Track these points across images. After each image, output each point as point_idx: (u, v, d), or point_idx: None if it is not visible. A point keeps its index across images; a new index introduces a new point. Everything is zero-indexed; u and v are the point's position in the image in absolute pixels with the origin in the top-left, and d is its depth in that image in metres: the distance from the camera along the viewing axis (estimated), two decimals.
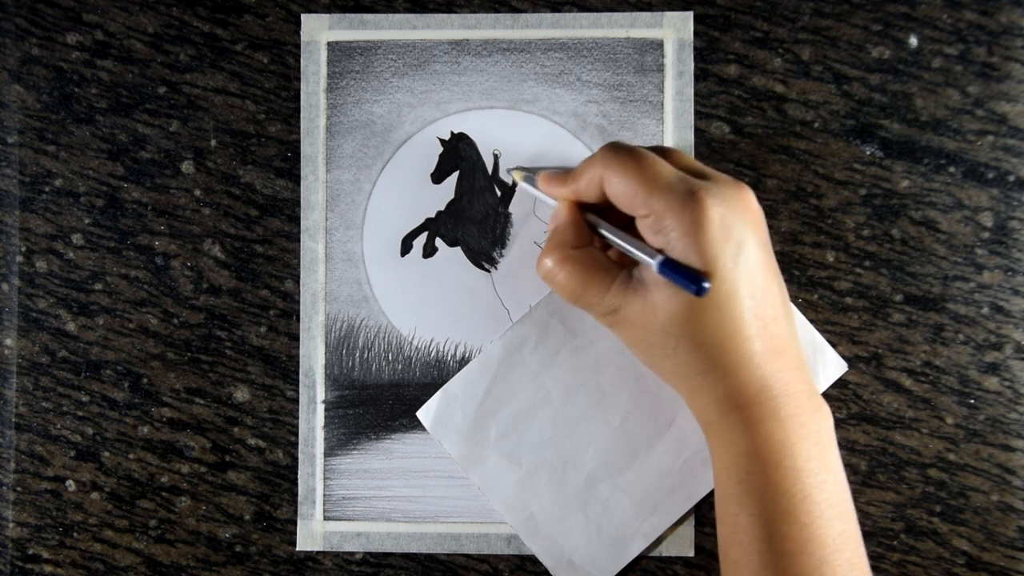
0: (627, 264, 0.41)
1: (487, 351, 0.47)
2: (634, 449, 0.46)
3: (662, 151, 0.41)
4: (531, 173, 0.45)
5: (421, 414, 0.47)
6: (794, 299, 0.47)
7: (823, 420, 0.39)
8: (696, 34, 0.47)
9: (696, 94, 0.47)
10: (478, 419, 0.47)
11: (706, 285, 0.36)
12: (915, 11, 0.47)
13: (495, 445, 0.46)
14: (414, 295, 0.48)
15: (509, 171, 0.47)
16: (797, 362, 0.39)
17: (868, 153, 0.47)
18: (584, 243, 0.41)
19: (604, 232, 0.41)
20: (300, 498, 0.47)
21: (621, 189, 0.38)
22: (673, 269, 0.36)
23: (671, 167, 0.39)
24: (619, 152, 0.39)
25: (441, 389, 0.47)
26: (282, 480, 0.48)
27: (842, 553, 0.38)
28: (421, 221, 0.48)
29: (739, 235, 0.37)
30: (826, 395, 0.47)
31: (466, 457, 0.47)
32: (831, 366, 0.46)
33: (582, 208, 0.41)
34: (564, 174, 0.42)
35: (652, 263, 0.37)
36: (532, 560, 0.47)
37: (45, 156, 0.48)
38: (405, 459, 0.47)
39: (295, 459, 0.48)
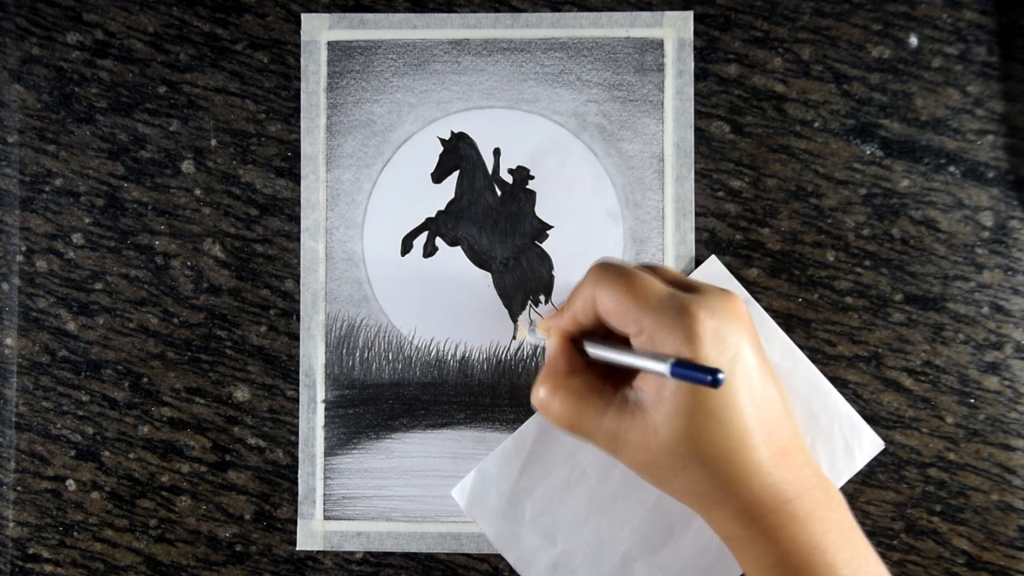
0: (620, 387, 0.40)
1: (521, 429, 0.47)
2: (670, 527, 0.46)
3: (650, 268, 0.41)
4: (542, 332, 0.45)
5: (456, 493, 0.47)
6: (794, 299, 0.47)
7: (839, 507, 0.39)
8: (696, 34, 0.47)
9: (696, 93, 0.47)
10: (513, 498, 0.46)
11: (721, 376, 0.35)
12: (915, 11, 0.47)
13: (530, 524, 0.46)
14: (414, 295, 0.48)
15: (536, 330, 0.47)
16: (804, 458, 0.39)
17: (868, 153, 0.47)
18: (576, 369, 0.41)
19: (608, 354, 0.40)
20: (300, 497, 0.47)
21: (612, 307, 0.38)
22: (687, 367, 0.36)
23: (660, 284, 0.38)
24: (608, 271, 0.39)
25: (476, 468, 0.47)
26: (282, 480, 0.48)
27: None
28: (421, 221, 0.48)
29: (734, 344, 0.37)
30: None
31: (501, 536, 0.46)
32: (867, 444, 0.46)
33: (582, 336, 0.41)
34: (561, 310, 0.42)
35: (664, 368, 0.36)
36: None
37: (45, 156, 0.48)
38: (405, 459, 0.47)
39: (295, 459, 0.48)
